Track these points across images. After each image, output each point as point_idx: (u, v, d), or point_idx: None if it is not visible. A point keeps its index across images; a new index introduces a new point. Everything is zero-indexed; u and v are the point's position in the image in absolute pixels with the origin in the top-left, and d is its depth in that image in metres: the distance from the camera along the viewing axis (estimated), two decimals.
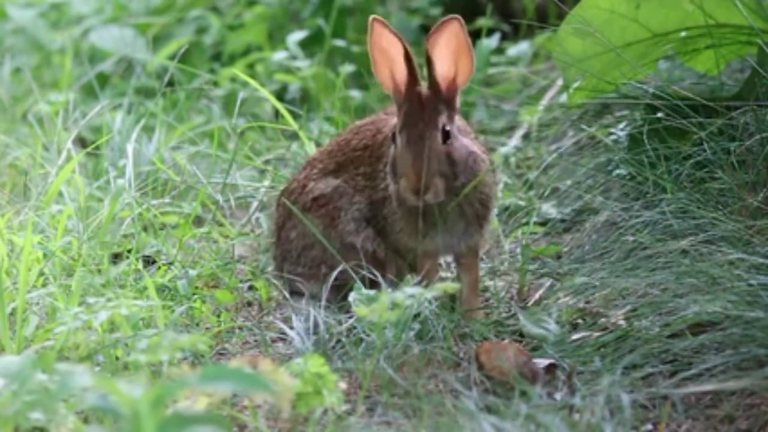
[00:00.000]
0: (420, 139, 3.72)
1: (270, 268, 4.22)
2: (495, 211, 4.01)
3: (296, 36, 6.15)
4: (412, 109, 3.76)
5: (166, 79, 5.22)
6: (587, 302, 3.91)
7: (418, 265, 3.87)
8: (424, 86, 3.78)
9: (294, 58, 6.07)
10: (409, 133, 3.73)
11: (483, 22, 5.83)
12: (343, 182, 3.91)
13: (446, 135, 3.75)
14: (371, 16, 3.86)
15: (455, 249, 3.92)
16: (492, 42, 5.95)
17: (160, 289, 4.04)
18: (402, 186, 3.72)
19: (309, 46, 6.18)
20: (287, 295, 3.96)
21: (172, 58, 5.88)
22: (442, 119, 3.75)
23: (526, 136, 5.37)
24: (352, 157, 3.95)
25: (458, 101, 3.83)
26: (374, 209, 3.89)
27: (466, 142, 3.83)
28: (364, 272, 3.80)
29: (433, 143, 3.72)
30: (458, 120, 3.89)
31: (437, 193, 3.71)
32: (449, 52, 3.77)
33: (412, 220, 3.82)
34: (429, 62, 3.77)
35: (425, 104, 3.76)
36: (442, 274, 4.18)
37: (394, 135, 3.77)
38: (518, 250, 4.29)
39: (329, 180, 3.95)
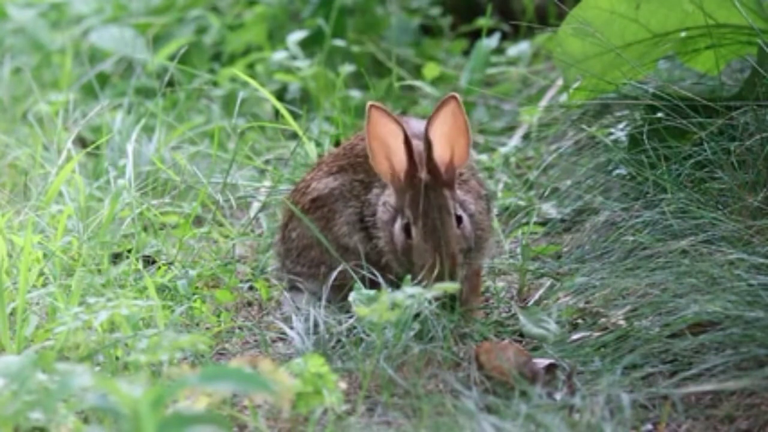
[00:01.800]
0: (435, 230, 3.70)
1: (272, 266, 4.23)
2: (492, 231, 3.98)
3: (296, 36, 6.15)
4: (418, 197, 3.72)
5: (166, 79, 5.22)
6: (587, 302, 3.91)
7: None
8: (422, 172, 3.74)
9: (294, 58, 6.07)
10: (425, 225, 3.71)
11: (483, 22, 5.83)
12: (341, 185, 3.92)
13: (458, 220, 3.73)
14: (369, 103, 3.76)
15: None
16: (492, 42, 5.95)
17: (160, 289, 4.04)
18: (429, 277, 3.66)
19: (309, 46, 6.18)
20: (286, 295, 3.97)
21: (172, 58, 5.88)
22: (452, 204, 3.72)
23: (526, 136, 5.37)
24: (353, 162, 3.96)
25: (456, 181, 3.78)
26: (366, 218, 3.90)
27: (465, 205, 3.79)
28: (364, 272, 3.81)
29: (451, 231, 3.70)
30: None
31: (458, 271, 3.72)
32: (445, 134, 3.72)
33: (402, 262, 3.82)
34: (428, 145, 3.72)
35: (430, 191, 3.72)
36: None
37: (407, 226, 3.72)
38: (518, 250, 4.29)
39: (328, 182, 3.96)
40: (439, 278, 3.66)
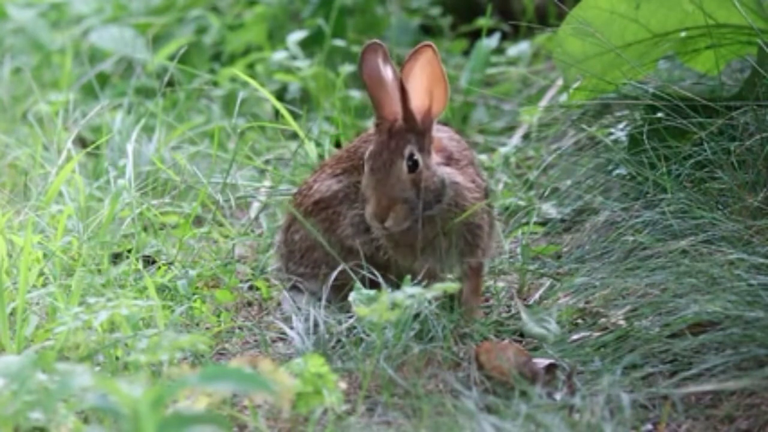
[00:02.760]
0: (384, 166, 3.74)
1: (274, 266, 4.24)
2: (493, 233, 3.97)
3: (296, 36, 6.15)
4: (382, 138, 3.77)
5: (166, 79, 5.22)
6: (587, 302, 3.91)
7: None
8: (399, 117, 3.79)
9: (294, 58, 6.06)
10: (375, 161, 3.76)
11: (483, 22, 5.83)
12: (344, 188, 3.93)
13: (414, 164, 3.75)
14: (368, 44, 3.83)
15: (453, 269, 3.91)
16: (492, 42, 5.94)
17: (160, 289, 4.04)
18: (366, 212, 3.75)
19: (309, 46, 6.18)
20: (286, 294, 3.97)
21: (172, 58, 5.87)
22: (410, 148, 3.75)
23: (526, 136, 5.37)
24: (356, 164, 3.97)
25: (434, 130, 3.81)
26: None
27: (446, 171, 3.82)
28: (364, 273, 3.81)
29: (397, 171, 3.74)
30: (454, 148, 3.90)
31: (398, 220, 3.73)
32: (423, 82, 3.77)
33: (394, 243, 3.83)
34: (403, 92, 3.76)
35: (395, 133, 3.76)
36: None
37: (363, 165, 3.79)
38: (518, 250, 4.29)
39: (331, 184, 3.97)
40: (380, 217, 3.70)
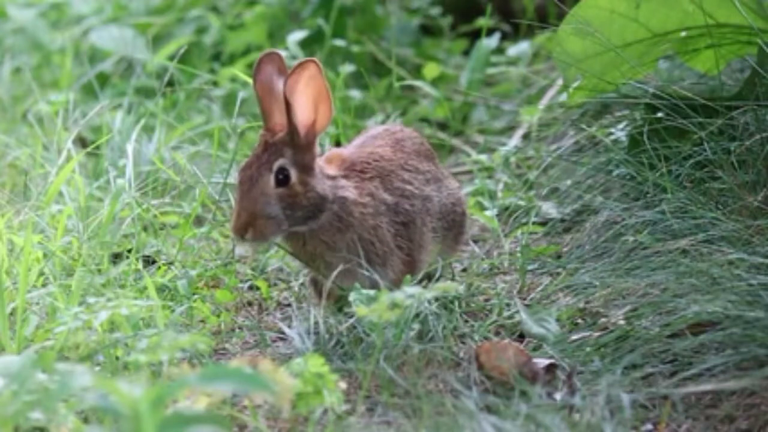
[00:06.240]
0: (250, 180, 3.71)
1: (273, 266, 4.25)
2: (410, 246, 3.91)
3: (296, 36, 6.15)
4: (257, 151, 3.74)
5: (166, 79, 5.22)
6: (587, 302, 3.91)
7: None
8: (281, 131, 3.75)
9: (294, 58, 6.06)
10: (243, 174, 3.73)
11: (483, 22, 5.83)
12: None
13: (284, 178, 3.71)
14: (266, 53, 3.81)
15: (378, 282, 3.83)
16: (492, 42, 5.94)
17: (160, 289, 4.04)
18: (229, 225, 3.73)
19: (309, 46, 6.18)
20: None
21: (172, 58, 5.87)
22: (282, 162, 3.71)
23: (526, 136, 5.37)
24: None
25: (317, 145, 3.77)
26: None
27: (338, 185, 3.77)
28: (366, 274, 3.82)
29: (263, 185, 3.70)
30: (361, 158, 3.85)
31: (258, 235, 3.69)
32: (308, 97, 3.72)
33: (293, 255, 3.84)
34: (287, 106, 3.71)
35: (270, 146, 3.73)
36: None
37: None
38: (518, 249, 4.29)
39: None
40: (238, 231, 3.68)
